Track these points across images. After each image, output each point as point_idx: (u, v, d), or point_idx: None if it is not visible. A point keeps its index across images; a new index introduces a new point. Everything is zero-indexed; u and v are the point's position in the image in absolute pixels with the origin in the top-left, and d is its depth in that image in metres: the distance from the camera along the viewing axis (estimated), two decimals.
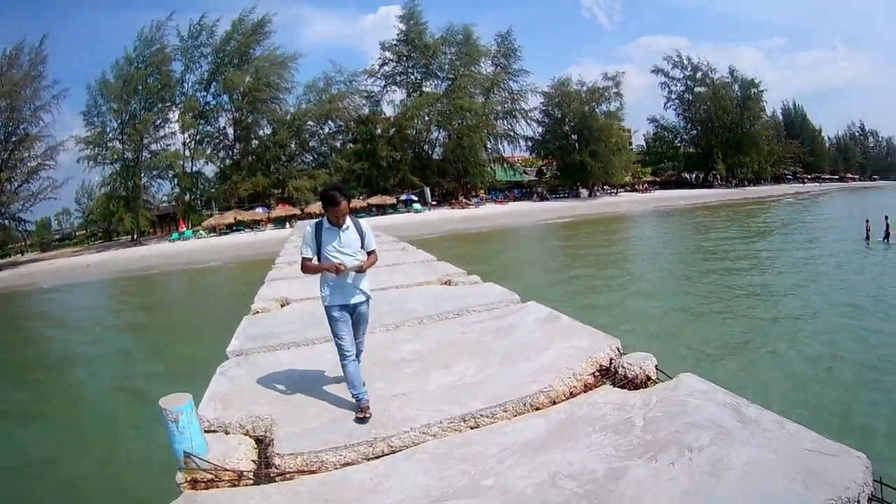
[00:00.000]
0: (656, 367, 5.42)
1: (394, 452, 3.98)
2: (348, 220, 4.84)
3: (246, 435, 4.31)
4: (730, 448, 4.00)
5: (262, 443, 4.22)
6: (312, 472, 3.82)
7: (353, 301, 4.85)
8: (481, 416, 4.45)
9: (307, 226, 5.04)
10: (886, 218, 26.84)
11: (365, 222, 5.10)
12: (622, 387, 5.11)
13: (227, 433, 4.31)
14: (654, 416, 4.38)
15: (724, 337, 13.65)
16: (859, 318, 15.60)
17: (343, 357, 4.68)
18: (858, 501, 3.55)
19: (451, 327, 6.87)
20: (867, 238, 27.37)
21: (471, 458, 3.81)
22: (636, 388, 5.08)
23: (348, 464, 3.88)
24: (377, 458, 3.93)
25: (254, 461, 3.99)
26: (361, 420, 4.43)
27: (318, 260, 4.83)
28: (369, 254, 5.00)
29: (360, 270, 4.80)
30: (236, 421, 4.45)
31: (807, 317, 15.99)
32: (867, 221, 28.26)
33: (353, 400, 4.62)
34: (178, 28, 56.63)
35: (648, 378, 5.27)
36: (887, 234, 26.43)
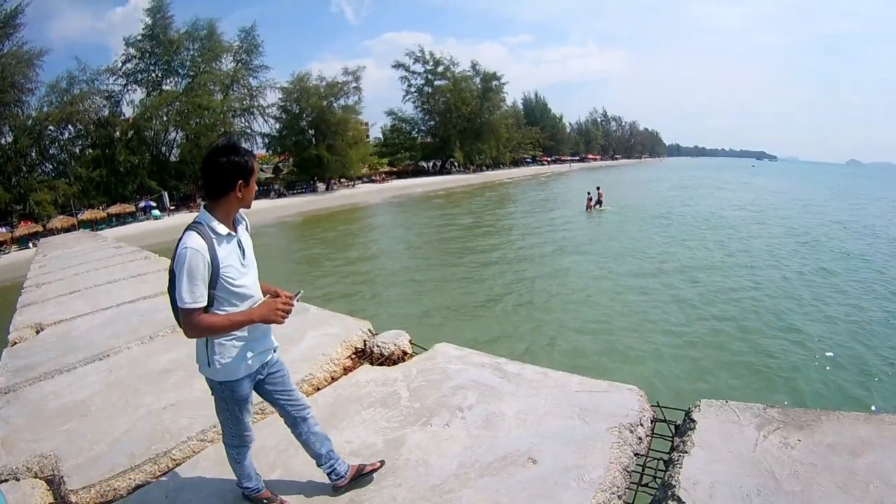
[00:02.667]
0: (410, 341, 5.87)
1: (178, 465, 3.94)
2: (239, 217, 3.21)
3: (36, 477, 4.04)
4: (499, 402, 4.48)
5: (53, 483, 3.94)
6: (108, 502, 3.70)
7: (268, 357, 3.28)
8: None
9: (186, 246, 2.76)
10: (598, 189, 35.50)
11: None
12: (381, 364, 5.46)
13: (17, 479, 4.00)
14: (419, 386, 4.79)
15: (473, 304, 14.69)
16: (587, 263, 19.54)
17: (243, 444, 3.35)
18: (642, 424, 4.13)
19: None
20: (588, 207, 34.66)
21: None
22: (394, 363, 5.47)
23: (140, 485, 3.80)
24: (163, 474, 3.87)
25: None
26: None
27: (211, 300, 2.92)
28: None
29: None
30: (23, 464, 4.12)
31: (544, 273, 18.54)
32: (588, 193, 35.49)
33: (240, 489, 3.45)
34: None
35: (405, 353, 5.70)
36: (599, 202, 34.82)
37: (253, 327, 3.07)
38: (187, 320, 2.85)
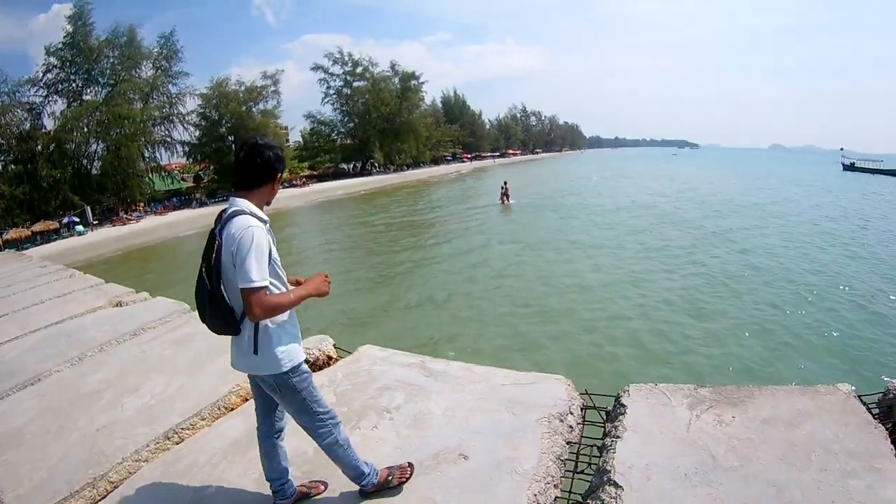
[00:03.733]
0: (334, 345, 5.86)
1: (116, 488, 3.87)
2: None
3: None
4: (427, 400, 4.53)
5: None
6: None
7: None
8: (182, 429, 4.48)
9: (250, 226, 2.80)
10: (506, 183, 38.55)
11: None
12: None
13: None
14: (345, 390, 4.81)
15: (398, 304, 14.61)
16: (502, 253, 20.37)
17: (337, 427, 3.27)
18: (571, 413, 4.19)
19: (132, 348, 6.75)
20: (502, 200, 37.50)
21: (187, 472, 3.86)
22: (319, 369, 5.46)
23: None
24: (103, 498, 3.79)
25: None
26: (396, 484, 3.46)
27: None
28: None
29: None
30: None
31: (461, 264, 18.98)
32: (501, 187, 38.56)
33: (357, 485, 3.41)
34: None
35: (329, 357, 5.70)
36: (506, 195, 37.45)
37: (292, 316, 3.10)
38: (255, 299, 2.73)
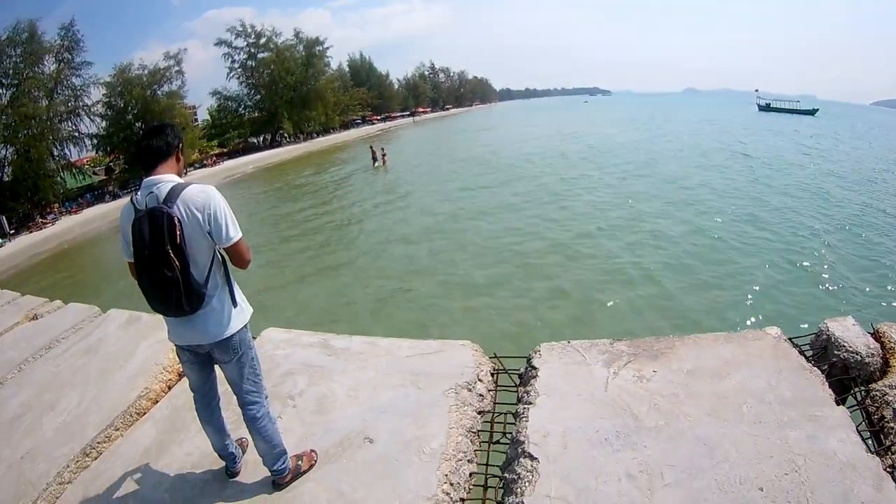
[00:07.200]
0: None
1: None
2: None
3: None
4: (329, 381, 4.29)
5: None
6: None
7: None
8: (98, 443, 4.29)
9: (213, 188, 2.87)
10: (382, 148, 40.08)
11: None
12: None
13: None
14: None
15: (302, 281, 14.06)
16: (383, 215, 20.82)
17: (268, 400, 3.29)
18: (480, 380, 3.97)
19: (48, 363, 6.35)
20: (382, 162, 38.58)
21: (106, 487, 3.69)
22: None
23: None
24: None
25: None
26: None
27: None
28: None
29: None
30: None
31: (351, 229, 19.35)
32: (371, 149, 40.67)
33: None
34: None
35: None
36: (382, 160, 38.46)
37: None
38: (245, 246, 2.86)
